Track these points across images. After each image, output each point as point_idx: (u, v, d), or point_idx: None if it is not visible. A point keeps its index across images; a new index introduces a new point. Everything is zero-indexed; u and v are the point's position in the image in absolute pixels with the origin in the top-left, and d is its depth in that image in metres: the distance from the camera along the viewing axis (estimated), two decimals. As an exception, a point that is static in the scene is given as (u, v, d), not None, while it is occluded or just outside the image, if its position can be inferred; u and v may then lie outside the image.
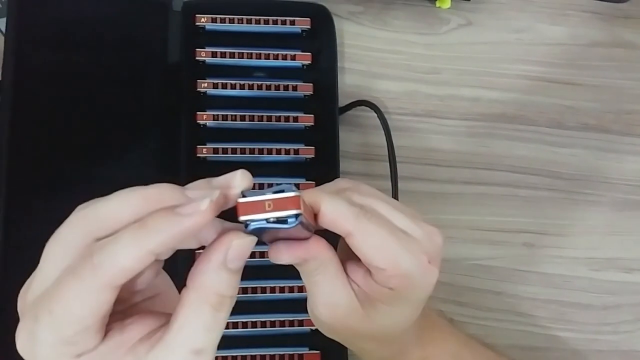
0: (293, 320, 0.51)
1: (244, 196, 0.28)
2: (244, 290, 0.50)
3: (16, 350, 0.27)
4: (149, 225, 0.25)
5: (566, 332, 0.57)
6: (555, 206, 0.59)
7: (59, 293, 0.25)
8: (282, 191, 0.28)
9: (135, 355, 0.26)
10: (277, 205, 0.28)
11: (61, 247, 0.27)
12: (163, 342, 0.26)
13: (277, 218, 0.28)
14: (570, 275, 0.58)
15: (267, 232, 0.29)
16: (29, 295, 0.28)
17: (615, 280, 0.59)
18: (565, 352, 0.57)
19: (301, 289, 0.51)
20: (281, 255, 0.32)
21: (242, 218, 0.28)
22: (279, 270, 0.51)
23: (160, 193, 0.27)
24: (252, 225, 0.28)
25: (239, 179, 0.28)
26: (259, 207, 0.28)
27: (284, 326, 0.50)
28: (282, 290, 0.51)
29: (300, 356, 0.50)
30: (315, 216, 0.32)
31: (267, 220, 0.28)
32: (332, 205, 0.31)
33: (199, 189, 0.28)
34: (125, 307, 0.29)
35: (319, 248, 0.33)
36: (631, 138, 0.61)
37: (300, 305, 0.51)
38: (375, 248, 0.32)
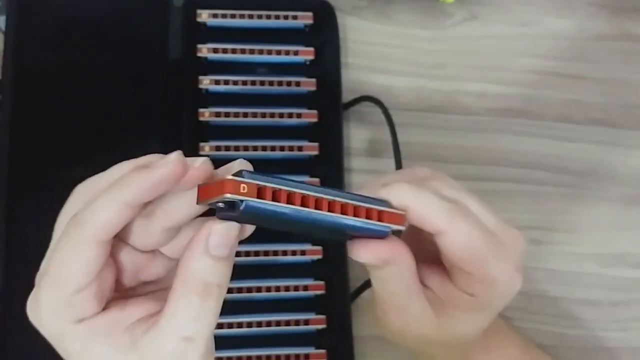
0: (299, 320, 0.50)
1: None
2: (248, 290, 0.50)
3: (22, 339, 0.28)
4: (123, 179, 0.27)
5: (575, 329, 0.56)
6: (563, 202, 0.58)
7: (52, 254, 0.27)
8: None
9: (132, 334, 0.27)
10: (216, 188, 0.26)
11: (62, 221, 0.29)
12: (156, 327, 0.27)
13: (223, 203, 0.27)
14: (578, 272, 0.57)
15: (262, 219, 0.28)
16: (40, 268, 0.29)
17: (624, 277, 0.58)
18: (575, 349, 0.56)
19: (306, 287, 0.50)
20: (361, 253, 0.30)
21: (205, 201, 0.28)
22: (282, 270, 0.51)
23: (148, 159, 0.28)
24: (217, 209, 0.28)
25: (237, 167, 0.28)
26: (216, 190, 0.27)
27: (290, 325, 0.50)
28: (287, 289, 0.50)
29: (307, 356, 0.49)
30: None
31: (214, 204, 0.27)
32: (423, 200, 0.29)
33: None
34: (134, 295, 0.30)
35: (403, 251, 0.30)
36: (639, 132, 0.60)
37: (305, 305, 0.50)
38: (467, 250, 0.29)
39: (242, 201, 0.26)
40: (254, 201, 0.26)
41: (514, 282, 0.31)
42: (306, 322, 0.50)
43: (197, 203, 0.28)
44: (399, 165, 0.52)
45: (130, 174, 0.27)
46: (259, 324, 0.49)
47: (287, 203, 0.27)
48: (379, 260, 0.30)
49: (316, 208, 0.28)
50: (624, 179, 0.59)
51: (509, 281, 0.31)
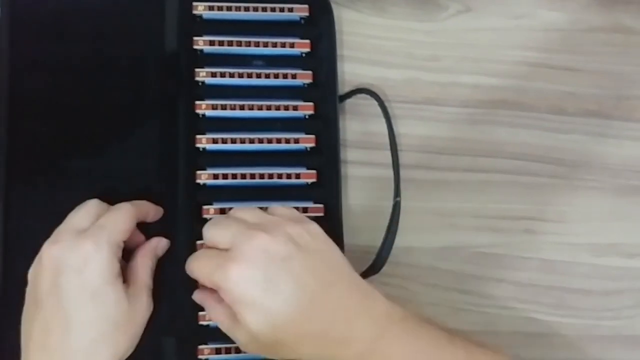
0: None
1: None
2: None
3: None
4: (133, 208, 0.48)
5: (568, 318, 0.57)
6: (557, 192, 0.59)
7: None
8: None
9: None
10: None
11: None
12: None
13: None
14: (571, 262, 0.58)
15: None
16: None
17: (616, 266, 0.59)
18: (568, 338, 0.57)
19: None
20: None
21: None
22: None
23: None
24: None
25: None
26: None
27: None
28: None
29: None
30: None
31: None
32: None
33: None
34: None
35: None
36: (632, 123, 0.61)
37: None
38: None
39: None
40: None
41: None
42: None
43: None
44: (395, 157, 0.52)
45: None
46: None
47: None
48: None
49: None
50: (617, 170, 0.60)
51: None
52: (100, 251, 0.42)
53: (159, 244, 0.48)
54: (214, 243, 0.44)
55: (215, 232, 0.44)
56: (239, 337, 0.43)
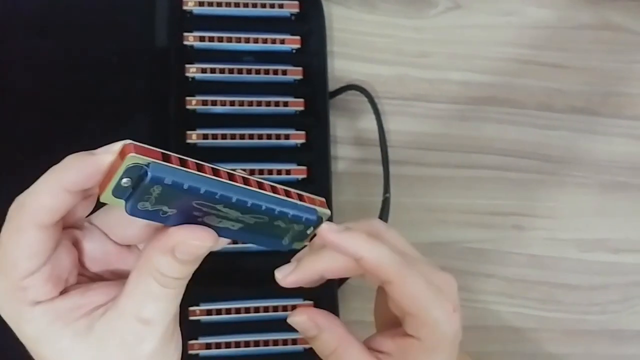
0: (286, 305, 0.50)
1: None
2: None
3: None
4: (63, 163, 0.26)
5: (556, 312, 0.58)
6: (545, 188, 0.59)
7: (0, 239, 0.27)
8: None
9: (89, 319, 0.27)
10: (115, 164, 0.24)
11: None
12: (114, 306, 0.27)
13: (128, 177, 0.24)
14: (559, 257, 0.59)
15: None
16: None
17: (603, 261, 0.59)
18: (556, 332, 0.57)
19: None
20: (297, 315, 0.34)
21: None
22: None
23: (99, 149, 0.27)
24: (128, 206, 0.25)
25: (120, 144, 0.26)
26: (115, 165, 0.24)
27: (277, 311, 0.50)
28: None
29: (294, 341, 0.50)
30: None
31: (119, 188, 0.24)
32: (377, 253, 0.32)
33: None
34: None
35: (332, 316, 0.34)
36: (619, 120, 0.62)
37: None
38: (413, 296, 0.33)
39: (148, 165, 0.24)
40: (161, 164, 0.24)
41: (453, 321, 0.34)
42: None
43: (99, 198, 0.25)
44: (385, 154, 0.53)
45: (71, 159, 0.26)
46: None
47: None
48: (313, 324, 0.34)
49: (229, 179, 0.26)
50: (604, 166, 0.61)
51: (448, 320, 0.33)
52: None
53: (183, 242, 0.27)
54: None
55: None
56: None
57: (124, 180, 0.24)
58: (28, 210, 0.26)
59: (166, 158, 0.24)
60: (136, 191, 0.24)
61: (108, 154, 0.25)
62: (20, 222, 0.26)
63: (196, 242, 0.26)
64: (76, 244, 0.29)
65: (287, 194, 0.28)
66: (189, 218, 0.26)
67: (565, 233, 0.59)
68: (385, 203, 0.52)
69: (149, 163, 0.24)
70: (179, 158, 0.25)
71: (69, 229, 0.28)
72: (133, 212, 0.25)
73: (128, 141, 0.24)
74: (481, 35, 0.61)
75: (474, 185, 0.58)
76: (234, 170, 0.26)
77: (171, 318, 0.28)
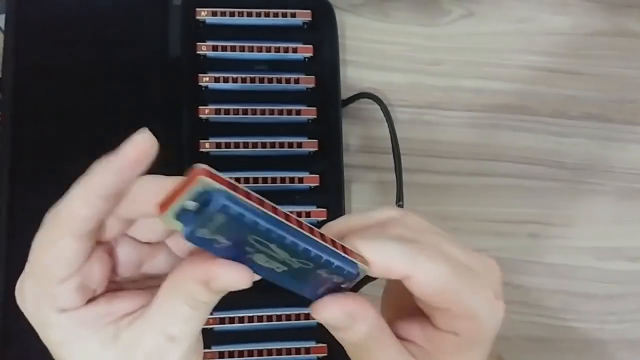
0: (299, 314, 0.50)
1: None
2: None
3: (25, 338, 0.28)
4: (91, 170, 0.26)
5: (572, 322, 0.57)
6: (560, 196, 0.59)
7: (33, 246, 0.27)
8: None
9: (116, 326, 0.27)
10: (183, 184, 0.23)
11: None
12: (143, 317, 0.27)
13: (194, 200, 0.23)
14: (575, 265, 0.58)
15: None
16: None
17: (620, 270, 0.59)
18: (572, 342, 0.57)
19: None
20: (327, 307, 0.28)
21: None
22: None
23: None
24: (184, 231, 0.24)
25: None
26: (183, 185, 0.23)
27: (290, 320, 0.50)
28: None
29: (307, 350, 0.50)
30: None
31: (181, 210, 0.23)
32: (382, 251, 0.28)
33: None
34: (133, 288, 0.29)
35: (368, 305, 0.28)
36: (634, 127, 0.61)
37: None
38: (438, 287, 0.28)
39: (219, 191, 0.22)
40: (232, 193, 0.23)
41: (495, 310, 0.30)
42: (307, 316, 0.50)
43: (159, 216, 0.24)
44: (398, 162, 0.52)
45: (96, 164, 0.26)
46: (259, 319, 0.50)
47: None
48: (346, 314, 0.28)
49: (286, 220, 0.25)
50: (620, 173, 0.60)
51: (490, 310, 0.29)
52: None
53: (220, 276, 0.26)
54: None
55: None
56: None
57: (191, 203, 0.23)
58: (63, 218, 0.26)
59: (234, 188, 0.23)
60: (198, 217, 0.23)
61: (127, 149, 0.26)
62: (54, 230, 0.26)
63: (233, 281, 0.25)
64: (111, 253, 0.28)
65: (334, 243, 0.27)
66: (240, 253, 0.25)
67: (581, 241, 0.58)
68: (399, 211, 0.52)
69: (219, 190, 0.23)
70: (245, 190, 0.24)
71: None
72: (190, 237, 0.24)
73: (201, 165, 0.23)
74: (495, 43, 0.61)
75: (489, 193, 0.58)
76: (290, 212, 0.26)
77: (196, 335, 0.28)
